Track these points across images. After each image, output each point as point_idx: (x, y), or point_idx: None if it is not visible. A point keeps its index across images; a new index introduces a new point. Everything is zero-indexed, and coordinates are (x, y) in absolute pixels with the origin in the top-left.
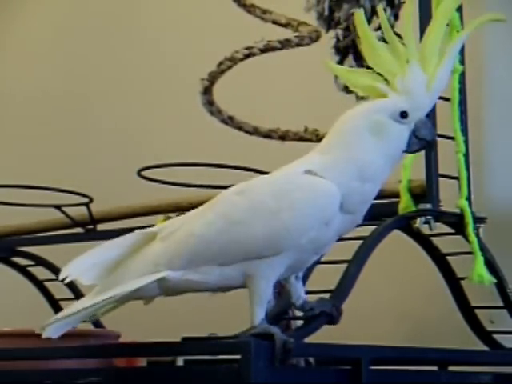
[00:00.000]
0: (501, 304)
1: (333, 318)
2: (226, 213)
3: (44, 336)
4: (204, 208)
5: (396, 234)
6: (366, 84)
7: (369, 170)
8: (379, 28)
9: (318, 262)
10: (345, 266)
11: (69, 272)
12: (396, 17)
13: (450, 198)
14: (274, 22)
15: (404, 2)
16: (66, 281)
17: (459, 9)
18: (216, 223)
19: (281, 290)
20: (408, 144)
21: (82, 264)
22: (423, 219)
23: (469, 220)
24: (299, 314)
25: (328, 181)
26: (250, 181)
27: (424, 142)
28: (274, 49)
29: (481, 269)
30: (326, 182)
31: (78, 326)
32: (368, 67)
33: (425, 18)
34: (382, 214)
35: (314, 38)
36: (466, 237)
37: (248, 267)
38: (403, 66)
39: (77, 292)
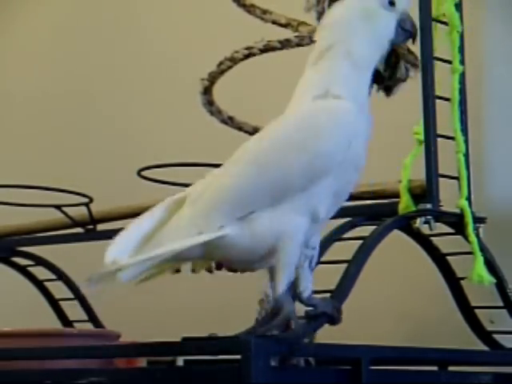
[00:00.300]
0: (501, 304)
1: (334, 319)
2: (255, 158)
3: (124, 278)
4: (228, 164)
5: (396, 233)
6: None
7: (361, 55)
8: None
9: (318, 262)
10: (345, 266)
11: (108, 257)
12: None
13: (450, 197)
14: (274, 22)
15: None
16: (108, 264)
17: (459, 8)
18: (249, 171)
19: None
20: (394, 34)
21: (118, 245)
22: (423, 219)
23: (469, 220)
24: (299, 314)
25: (336, 100)
26: (264, 128)
27: (408, 33)
28: (274, 49)
29: (481, 269)
30: (336, 103)
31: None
32: None
33: (425, 17)
34: (382, 213)
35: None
36: (465, 237)
37: (281, 219)
38: None
39: (77, 292)
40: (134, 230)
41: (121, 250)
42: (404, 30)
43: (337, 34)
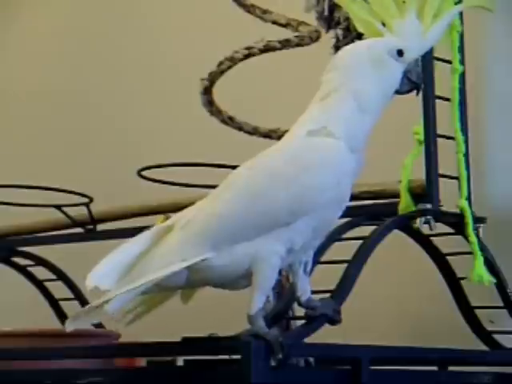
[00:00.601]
0: (501, 304)
1: (333, 319)
2: (245, 188)
3: (110, 308)
4: (218, 190)
5: (396, 234)
6: (365, 18)
7: (367, 100)
8: None
9: (318, 262)
10: (345, 265)
11: (90, 281)
12: None
13: (450, 198)
14: (274, 22)
15: (404, 2)
16: (89, 290)
17: None
18: (237, 200)
19: (281, 290)
20: (400, 84)
21: (102, 270)
22: (423, 219)
23: (469, 220)
24: (299, 314)
25: (330, 139)
26: (257, 156)
27: (414, 84)
28: (274, 49)
29: (481, 269)
30: (328, 141)
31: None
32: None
33: None
34: (382, 213)
35: (314, 38)
36: (465, 237)
37: (258, 248)
38: (401, 11)
39: (77, 292)
40: (117, 256)
41: (103, 275)
42: (410, 81)
43: (345, 77)
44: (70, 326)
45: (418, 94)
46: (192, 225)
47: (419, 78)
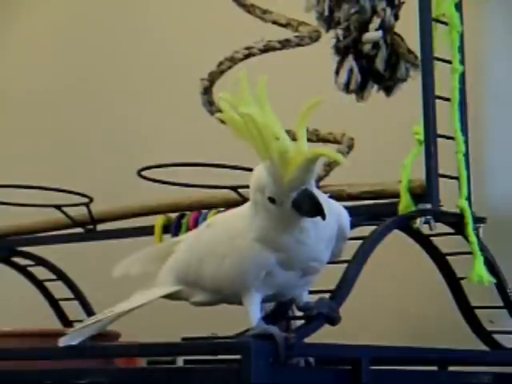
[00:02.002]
0: (501, 304)
1: (331, 319)
2: (194, 246)
3: (61, 343)
4: (198, 229)
5: (396, 234)
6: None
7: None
8: (379, 28)
9: None
10: (345, 265)
11: (118, 271)
12: (396, 17)
13: (450, 197)
14: (274, 22)
15: (404, 2)
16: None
17: (459, 8)
18: (186, 252)
19: None
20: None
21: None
22: (423, 219)
23: (469, 220)
24: (299, 314)
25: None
26: (220, 215)
27: (305, 213)
28: (274, 49)
29: (480, 269)
30: (257, 243)
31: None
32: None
33: (425, 17)
34: (382, 213)
35: (314, 38)
36: (465, 237)
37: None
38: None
39: (77, 292)
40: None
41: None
42: (300, 210)
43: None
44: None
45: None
46: (171, 257)
47: (309, 209)
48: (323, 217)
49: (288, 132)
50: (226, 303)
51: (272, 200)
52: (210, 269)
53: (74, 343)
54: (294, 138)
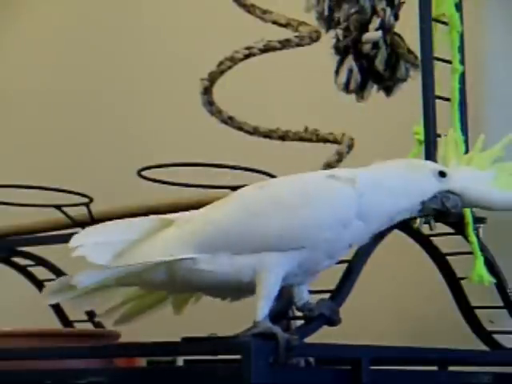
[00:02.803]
0: (501, 304)
1: (331, 320)
2: (246, 204)
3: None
4: (222, 201)
5: (396, 234)
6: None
7: (388, 187)
8: (379, 28)
9: None
10: (345, 266)
11: (79, 245)
12: (396, 17)
13: None
14: (274, 22)
15: (404, 2)
16: (75, 254)
17: (459, 8)
18: (235, 213)
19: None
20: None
21: (94, 241)
22: (423, 219)
23: (469, 220)
24: (299, 314)
25: (347, 185)
26: (271, 179)
27: (445, 208)
28: (274, 49)
29: (481, 269)
30: (344, 186)
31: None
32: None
33: (425, 17)
34: None
35: (314, 37)
36: (465, 237)
37: (260, 259)
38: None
39: None
40: (110, 234)
41: (88, 245)
42: (443, 204)
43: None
44: (47, 300)
45: (447, 219)
46: (188, 225)
47: (453, 207)
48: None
49: (287, 132)
50: (233, 279)
51: (442, 174)
52: (278, 221)
53: (87, 281)
54: (293, 138)
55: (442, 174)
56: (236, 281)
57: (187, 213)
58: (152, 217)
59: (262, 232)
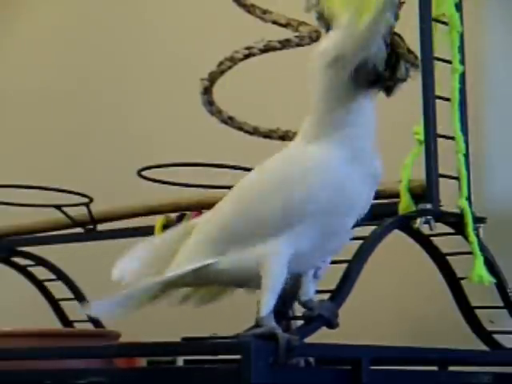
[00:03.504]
0: (501, 304)
1: (330, 322)
2: (246, 193)
3: (92, 312)
4: (230, 192)
5: (396, 233)
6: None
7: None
8: None
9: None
10: (345, 265)
11: (117, 273)
12: (396, 17)
13: (450, 197)
14: (274, 22)
15: (404, 2)
16: (114, 278)
17: (459, 8)
18: (239, 204)
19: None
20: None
21: (129, 263)
22: (423, 219)
23: (469, 220)
24: (299, 314)
25: (326, 150)
26: (267, 160)
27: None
28: (274, 49)
29: (480, 269)
30: (324, 152)
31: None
32: None
33: (425, 17)
34: (382, 213)
35: (314, 37)
36: (465, 237)
37: (260, 250)
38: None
39: (77, 292)
40: (142, 251)
41: (124, 269)
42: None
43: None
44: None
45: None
46: (201, 230)
47: (367, 76)
48: (381, 85)
49: (287, 132)
50: (245, 275)
51: (337, 59)
52: (277, 205)
53: (106, 312)
54: (293, 138)
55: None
56: (248, 277)
57: (207, 214)
58: (178, 228)
59: (260, 217)
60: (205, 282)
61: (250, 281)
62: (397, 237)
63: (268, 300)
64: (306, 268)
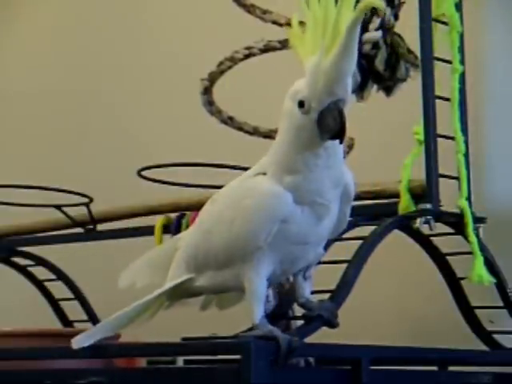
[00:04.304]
0: (501, 304)
1: (330, 322)
2: (201, 223)
3: (76, 346)
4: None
5: (396, 233)
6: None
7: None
8: (379, 28)
9: (318, 262)
10: (345, 266)
11: (124, 281)
12: (396, 17)
13: (450, 197)
14: (274, 22)
15: (404, 2)
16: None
17: (459, 8)
18: (195, 233)
19: (280, 290)
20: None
21: (134, 271)
22: (423, 219)
23: (469, 220)
24: (299, 314)
25: (272, 183)
26: (224, 187)
27: (331, 132)
28: (274, 49)
29: (480, 269)
30: (270, 184)
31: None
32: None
33: (425, 17)
34: (382, 213)
35: None
36: (465, 237)
37: (235, 271)
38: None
39: (77, 292)
40: (145, 260)
41: (130, 276)
42: (323, 125)
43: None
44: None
45: (341, 139)
46: (181, 248)
47: (333, 125)
48: (341, 138)
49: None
50: (228, 288)
51: (301, 104)
52: (221, 237)
53: (88, 343)
54: None
55: (301, 104)
56: (229, 289)
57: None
58: (168, 243)
59: (215, 249)
60: (191, 295)
61: (229, 291)
62: (397, 237)
63: (255, 308)
64: (280, 280)
